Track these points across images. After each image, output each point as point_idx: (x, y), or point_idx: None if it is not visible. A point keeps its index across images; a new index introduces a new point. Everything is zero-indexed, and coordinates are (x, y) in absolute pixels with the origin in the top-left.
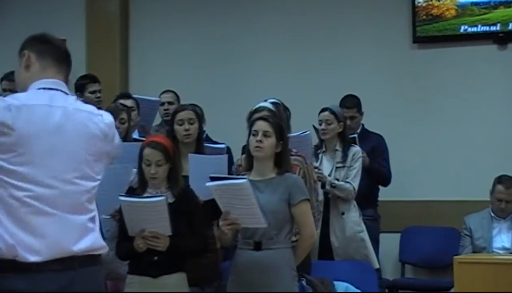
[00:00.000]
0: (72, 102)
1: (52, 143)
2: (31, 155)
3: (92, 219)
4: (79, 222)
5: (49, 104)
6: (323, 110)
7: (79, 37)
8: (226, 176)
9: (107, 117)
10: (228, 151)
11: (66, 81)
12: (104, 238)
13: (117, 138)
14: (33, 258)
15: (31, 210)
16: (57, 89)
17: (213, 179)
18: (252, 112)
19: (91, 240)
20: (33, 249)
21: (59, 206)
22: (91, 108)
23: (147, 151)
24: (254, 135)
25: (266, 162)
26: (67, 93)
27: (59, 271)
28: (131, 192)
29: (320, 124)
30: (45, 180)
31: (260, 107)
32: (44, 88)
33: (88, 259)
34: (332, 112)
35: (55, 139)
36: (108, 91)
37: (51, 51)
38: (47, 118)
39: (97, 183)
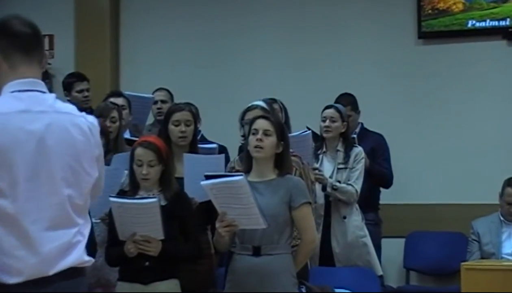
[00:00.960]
0: (52, 103)
1: (31, 154)
2: (7, 168)
3: (79, 232)
4: (63, 238)
5: (25, 110)
6: (328, 107)
7: (67, 34)
8: (222, 173)
9: (91, 118)
10: (225, 151)
11: (41, 71)
12: (94, 244)
13: (99, 140)
14: (12, 280)
15: (8, 230)
16: (32, 90)
17: (208, 177)
18: (244, 112)
19: (75, 257)
20: (12, 270)
21: (39, 222)
22: (71, 108)
23: (139, 151)
24: (253, 134)
25: (266, 163)
26: (44, 92)
27: (39, 289)
28: (122, 194)
29: (324, 121)
30: (23, 193)
31: (252, 106)
32: (18, 91)
33: (70, 272)
34: (338, 110)
35: (34, 149)
36: (98, 89)
37: (17, 44)
38: (24, 126)
39: (87, 191)
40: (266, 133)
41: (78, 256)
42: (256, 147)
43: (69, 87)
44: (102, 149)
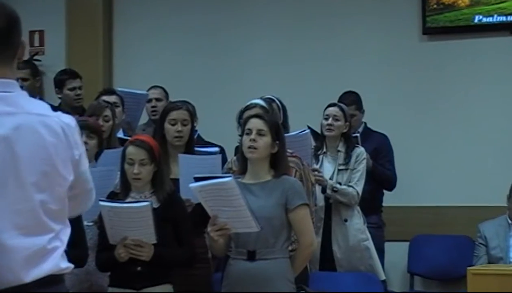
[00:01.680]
0: (22, 103)
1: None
2: None
3: (56, 238)
4: (37, 245)
5: None
6: (331, 105)
7: (58, 29)
8: (211, 175)
9: (66, 118)
10: (222, 151)
11: (15, 63)
12: (86, 248)
13: (78, 141)
14: None
15: None
16: (4, 92)
17: (197, 179)
18: (243, 111)
19: (52, 264)
20: None
21: (9, 230)
22: (44, 108)
23: (130, 149)
24: (247, 134)
25: (261, 164)
26: (11, 92)
27: None
28: (113, 196)
29: (326, 120)
30: None
31: (251, 104)
32: None
33: (48, 280)
34: (341, 109)
35: (1, 154)
36: (91, 87)
37: None
38: None
39: (62, 195)
40: (260, 133)
41: (55, 263)
42: (249, 147)
43: (60, 84)
44: (81, 149)
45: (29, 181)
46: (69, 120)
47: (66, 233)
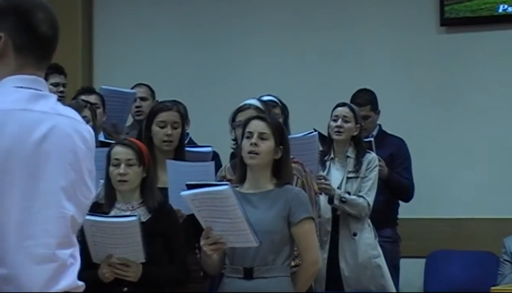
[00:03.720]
0: (53, 105)
1: (29, 159)
2: (3, 175)
3: (74, 254)
4: (60, 259)
5: (28, 109)
6: (340, 105)
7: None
8: (205, 182)
9: (88, 127)
10: (216, 157)
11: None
12: None
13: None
14: None
15: None
16: (36, 89)
17: (189, 187)
18: (235, 112)
19: (70, 280)
20: None
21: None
22: (72, 112)
23: (116, 149)
24: (248, 138)
25: (262, 171)
26: (43, 91)
27: None
28: (96, 208)
29: (335, 121)
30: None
31: (244, 105)
32: (21, 87)
33: None
34: (351, 109)
35: (33, 154)
36: (68, 85)
37: (37, 47)
38: (28, 127)
39: (86, 208)
40: (262, 136)
41: (73, 280)
42: (250, 152)
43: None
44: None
45: (59, 185)
46: (92, 131)
47: (78, 250)
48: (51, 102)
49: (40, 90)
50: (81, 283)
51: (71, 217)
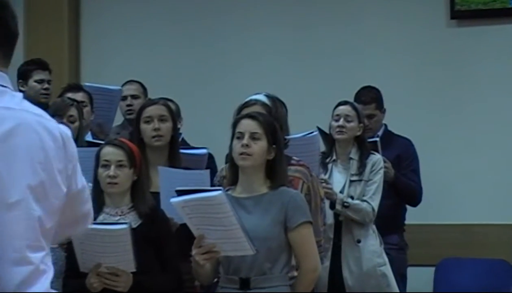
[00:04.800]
0: (18, 102)
1: None
2: None
3: (45, 259)
4: (32, 263)
5: None
6: (342, 103)
7: (16, 13)
8: (196, 188)
9: (63, 126)
10: (211, 160)
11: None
12: None
13: (75, 155)
14: None
15: None
16: (2, 86)
17: (180, 193)
18: (241, 108)
19: (43, 288)
20: None
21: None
22: (39, 110)
23: (106, 150)
24: (238, 138)
25: (255, 173)
26: (7, 87)
27: None
28: None
29: (337, 121)
30: None
31: (251, 101)
32: None
33: None
34: (354, 107)
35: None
36: (54, 82)
37: (9, 41)
38: None
39: (56, 210)
40: (254, 136)
41: (47, 287)
42: (241, 153)
43: (26, 75)
44: (76, 164)
45: (27, 184)
46: (66, 129)
47: (50, 258)
48: (17, 99)
49: (6, 87)
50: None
51: (38, 217)
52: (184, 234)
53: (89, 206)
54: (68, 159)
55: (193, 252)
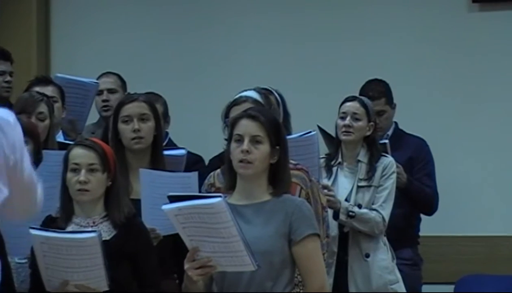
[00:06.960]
0: None
1: None
2: None
3: None
4: None
5: None
6: (349, 99)
7: None
8: (192, 194)
9: (1, 111)
10: (200, 162)
11: None
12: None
13: (17, 143)
14: None
15: None
16: None
17: (172, 199)
18: (230, 106)
19: None
20: None
21: None
22: None
23: (76, 152)
24: (237, 141)
25: (256, 179)
26: None
27: None
28: (49, 222)
29: (343, 119)
30: None
31: (241, 97)
32: None
33: None
34: (363, 104)
35: None
36: (21, 75)
37: None
38: None
39: None
40: (255, 140)
41: None
42: (241, 161)
43: None
44: (22, 152)
45: None
46: (6, 114)
47: None
48: None
49: None
50: None
51: None
52: (167, 247)
53: (35, 186)
54: (11, 150)
55: (186, 266)
